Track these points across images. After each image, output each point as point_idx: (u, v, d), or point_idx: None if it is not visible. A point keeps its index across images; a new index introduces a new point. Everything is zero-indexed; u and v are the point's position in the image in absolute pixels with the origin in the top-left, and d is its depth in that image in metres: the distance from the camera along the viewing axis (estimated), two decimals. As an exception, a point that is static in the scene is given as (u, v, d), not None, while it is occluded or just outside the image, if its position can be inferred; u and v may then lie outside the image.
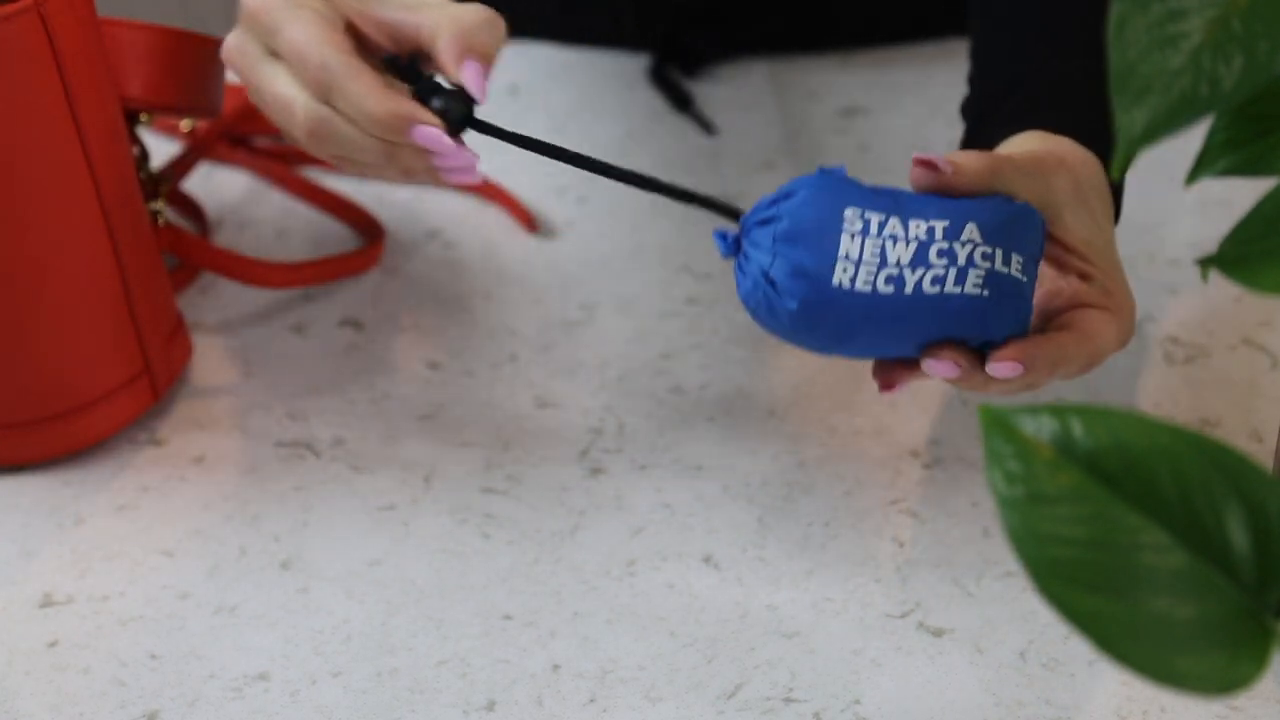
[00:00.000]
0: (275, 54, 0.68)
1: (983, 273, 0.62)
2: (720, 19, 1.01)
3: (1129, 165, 0.46)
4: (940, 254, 0.62)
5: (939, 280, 0.62)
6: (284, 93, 0.67)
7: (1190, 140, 0.54)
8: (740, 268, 0.64)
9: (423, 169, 0.67)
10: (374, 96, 0.65)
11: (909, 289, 0.62)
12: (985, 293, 0.62)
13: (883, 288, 0.62)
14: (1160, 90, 0.45)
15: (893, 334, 0.63)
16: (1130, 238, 0.89)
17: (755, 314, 0.64)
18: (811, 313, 0.62)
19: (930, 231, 0.62)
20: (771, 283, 0.62)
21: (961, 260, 0.62)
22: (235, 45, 0.69)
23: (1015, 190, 0.64)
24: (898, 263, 0.62)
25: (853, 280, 0.62)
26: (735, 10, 1.01)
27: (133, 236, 0.76)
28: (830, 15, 1.02)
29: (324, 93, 0.66)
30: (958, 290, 0.62)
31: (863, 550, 0.71)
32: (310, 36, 0.66)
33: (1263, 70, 0.45)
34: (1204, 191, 0.91)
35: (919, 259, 0.62)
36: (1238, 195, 0.89)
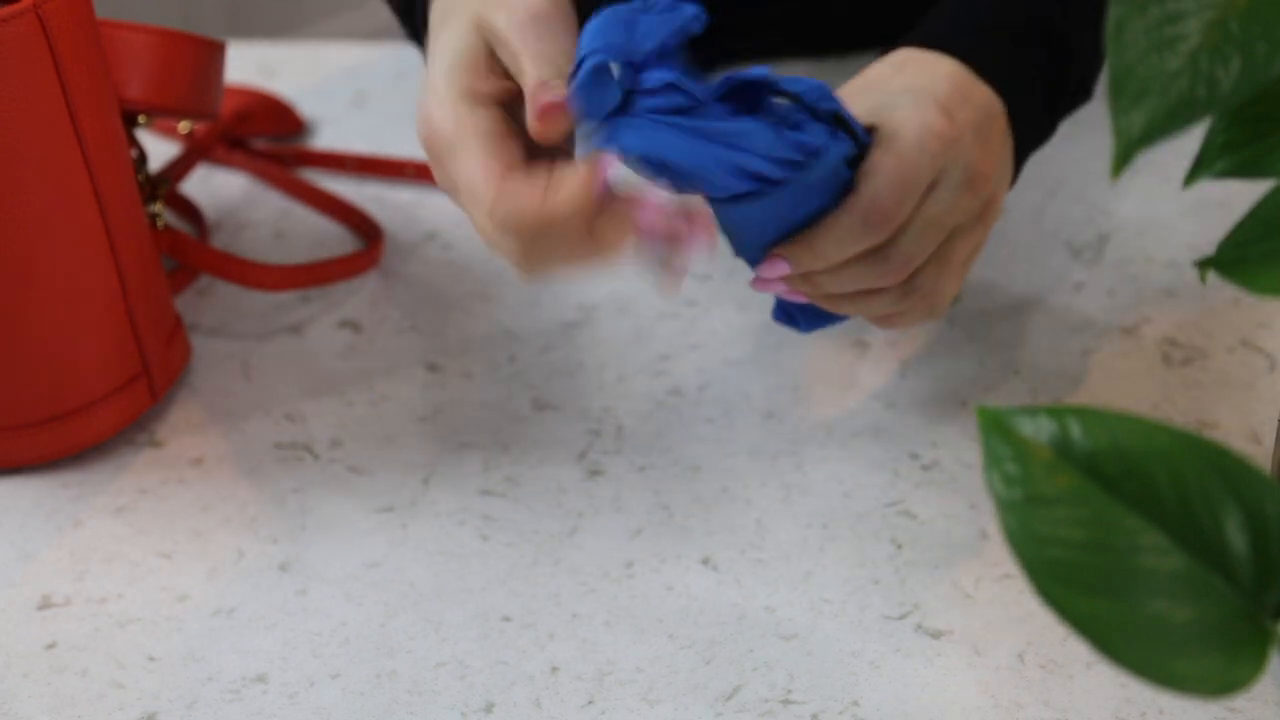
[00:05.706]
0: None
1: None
2: (717, 29, 1.01)
3: (1127, 166, 0.46)
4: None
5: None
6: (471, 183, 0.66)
7: (1188, 142, 0.54)
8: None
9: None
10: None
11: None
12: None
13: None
14: (1158, 92, 0.45)
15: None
16: (1128, 239, 0.89)
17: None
18: None
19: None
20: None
21: None
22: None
23: None
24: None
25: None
26: (733, 22, 1.01)
27: (131, 239, 0.76)
28: (828, 26, 1.02)
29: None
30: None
31: (861, 552, 0.71)
32: (476, 175, 0.64)
33: (1260, 72, 0.45)
34: (1202, 193, 0.91)
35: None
36: (1236, 197, 0.89)
